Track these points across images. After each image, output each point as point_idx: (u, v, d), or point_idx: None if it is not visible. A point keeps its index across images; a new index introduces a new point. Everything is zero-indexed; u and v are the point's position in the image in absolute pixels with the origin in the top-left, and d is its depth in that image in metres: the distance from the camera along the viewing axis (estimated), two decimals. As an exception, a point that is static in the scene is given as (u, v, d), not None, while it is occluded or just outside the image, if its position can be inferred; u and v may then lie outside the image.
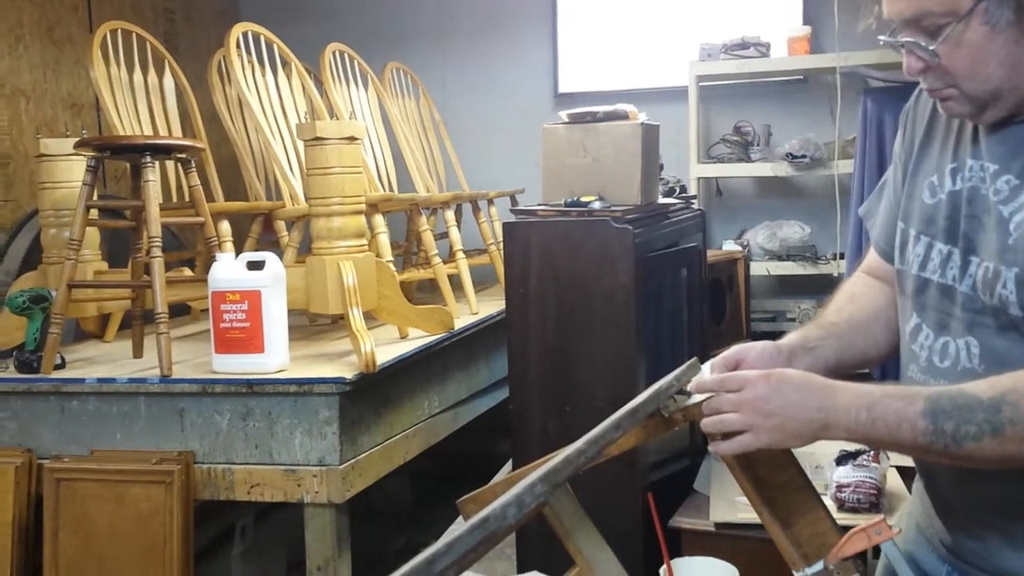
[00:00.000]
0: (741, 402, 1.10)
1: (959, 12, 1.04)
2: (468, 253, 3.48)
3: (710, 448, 1.16)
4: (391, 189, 3.58)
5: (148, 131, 3.08)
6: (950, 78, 1.09)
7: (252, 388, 2.32)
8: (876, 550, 1.19)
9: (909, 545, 1.29)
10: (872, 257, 1.38)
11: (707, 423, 1.13)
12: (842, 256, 3.83)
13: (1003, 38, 1.04)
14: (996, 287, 1.09)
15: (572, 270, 2.32)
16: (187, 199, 2.75)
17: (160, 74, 3.24)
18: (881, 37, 1.15)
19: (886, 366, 1.34)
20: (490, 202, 3.85)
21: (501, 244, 2.49)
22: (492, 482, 1.34)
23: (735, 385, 1.12)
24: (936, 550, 1.25)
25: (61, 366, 2.59)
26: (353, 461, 2.36)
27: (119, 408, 2.42)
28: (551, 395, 2.36)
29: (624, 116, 2.44)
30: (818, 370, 1.23)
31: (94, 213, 2.83)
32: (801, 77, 4.24)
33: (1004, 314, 1.09)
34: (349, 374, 2.32)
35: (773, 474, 1.20)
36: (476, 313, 3.24)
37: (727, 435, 1.13)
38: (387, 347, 2.66)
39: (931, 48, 1.07)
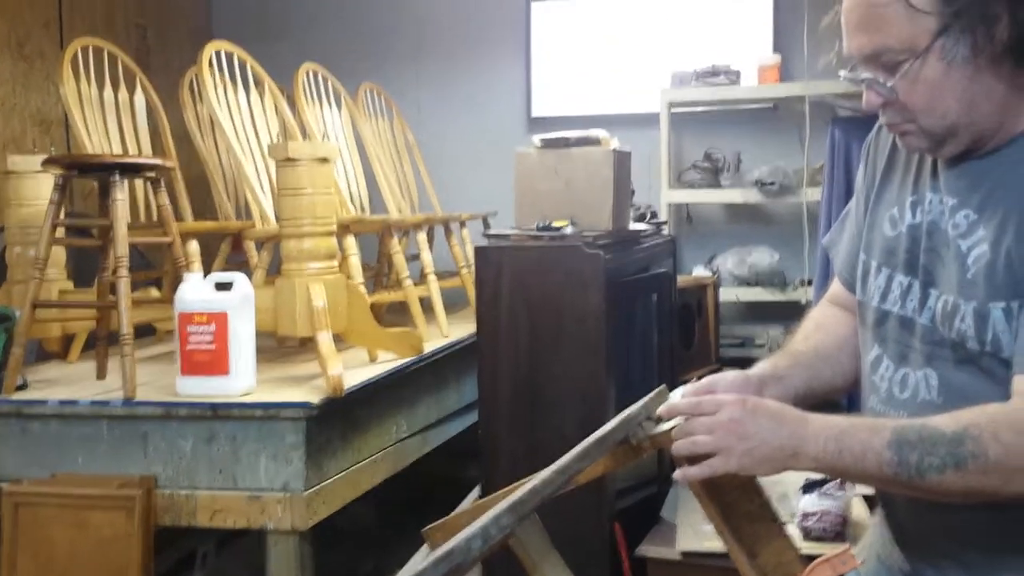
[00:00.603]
0: (715, 424, 1.10)
1: (917, 49, 1.06)
2: (440, 275, 3.47)
3: (676, 475, 1.15)
4: (363, 210, 3.57)
5: (117, 149, 3.05)
6: (908, 113, 1.11)
7: (217, 412, 2.29)
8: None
9: (870, 575, 1.29)
10: (836, 287, 1.39)
11: (679, 445, 1.13)
12: (810, 283, 3.86)
13: (959, 75, 1.06)
14: (955, 321, 1.11)
15: (543, 294, 2.32)
16: (155, 218, 2.72)
17: (131, 91, 3.21)
18: (842, 72, 1.17)
19: (854, 395, 1.35)
20: (462, 224, 3.85)
21: (473, 267, 2.49)
22: (458, 509, 1.33)
23: (710, 408, 1.12)
24: (896, 580, 1.25)
25: (23, 387, 2.54)
26: (318, 487, 2.33)
27: (81, 431, 2.37)
28: (521, 419, 2.35)
29: (596, 142, 2.45)
30: (788, 399, 1.24)
31: (61, 231, 2.79)
32: (771, 105, 4.30)
33: (962, 347, 1.11)
34: (316, 398, 2.29)
35: (740, 503, 1.20)
36: (447, 336, 3.23)
37: (695, 460, 1.13)
38: (356, 370, 2.63)
39: (889, 84, 1.09)
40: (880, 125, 1.24)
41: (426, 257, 3.35)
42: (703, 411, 1.12)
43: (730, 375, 1.25)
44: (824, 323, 1.37)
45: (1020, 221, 1.06)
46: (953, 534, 1.16)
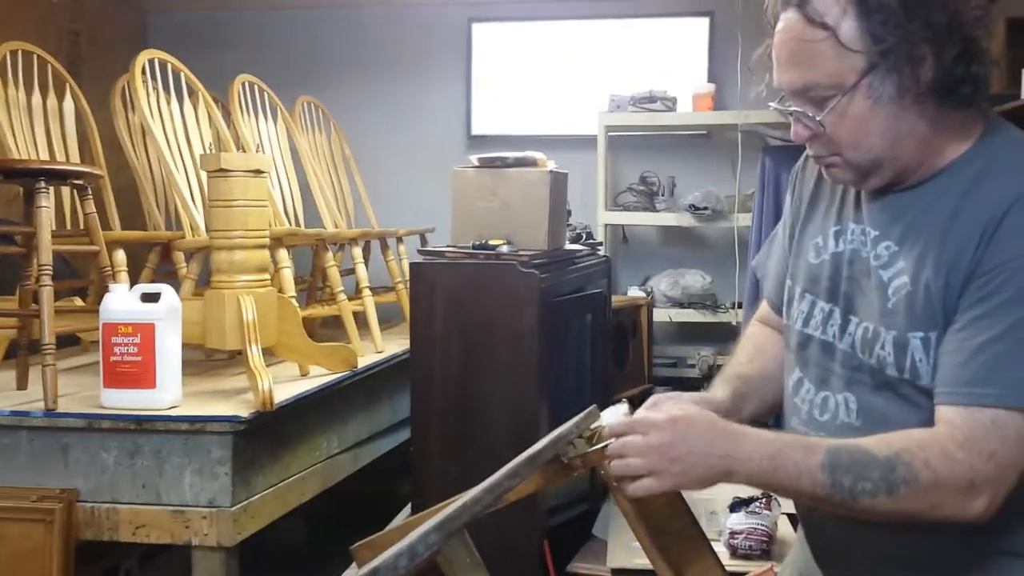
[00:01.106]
0: (647, 447, 1.11)
1: (845, 86, 1.10)
2: (375, 291, 3.45)
3: (610, 487, 1.15)
4: (298, 223, 3.54)
5: (45, 155, 2.97)
6: (835, 147, 1.15)
7: (141, 425, 2.24)
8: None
9: (790, 593, 1.32)
10: (765, 308, 1.43)
11: (614, 467, 1.13)
12: (740, 305, 3.94)
13: (885, 112, 1.10)
14: (875, 348, 1.14)
15: (478, 312, 2.32)
16: (82, 226, 2.66)
17: (60, 98, 3.14)
18: (772, 104, 1.20)
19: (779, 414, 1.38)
20: (399, 240, 3.84)
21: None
22: (389, 527, 1.32)
23: (642, 429, 1.13)
24: (817, 598, 1.28)
25: (-63, 396, 2.45)
26: (246, 503, 2.28)
27: (-1, 442, 2.30)
28: (453, 437, 2.35)
29: (533, 163, 2.47)
30: (755, 411, 1.30)
31: (-19, 237, 2.71)
32: (705, 132, 4.39)
33: (881, 373, 1.14)
34: (244, 412, 2.26)
35: (667, 522, 1.22)
36: (381, 352, 3.21)
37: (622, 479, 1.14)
38: (287, 385, 2.60)
39: (817, 118, 1.12)
40: (807, 155, 1.28)
41: (361, 272, 3.33)
42: (636, 431, 1.13)
43: (688, 396, 1.26)
44: (763, 346, 1.40)
45: (938, 254, 1.10)
46: (874, 554, 1.19)
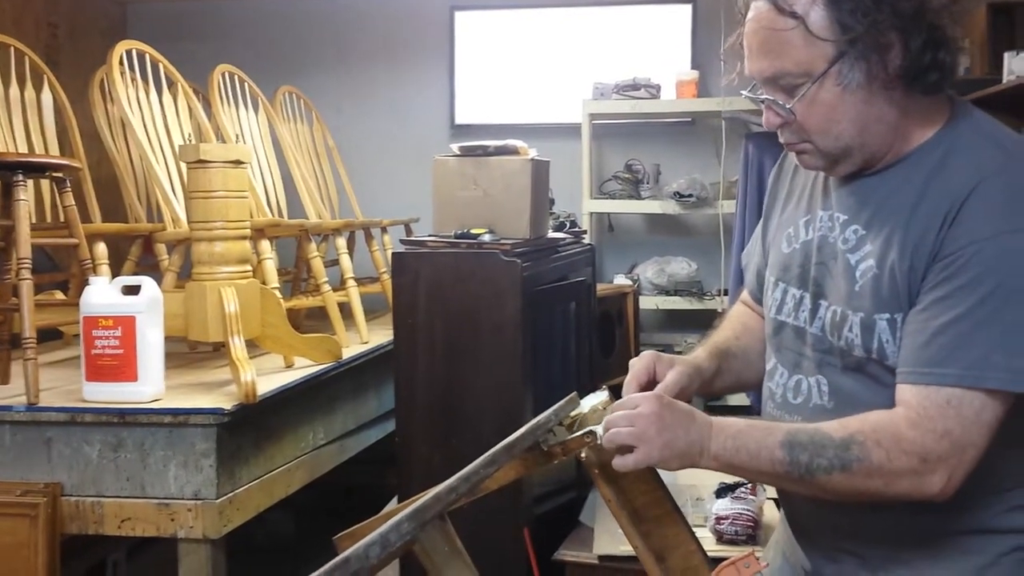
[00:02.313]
0: (636, 416, 1.14)
1: (814, 74, 1.11)
2: (360, 281, 3.44)
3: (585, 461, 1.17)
4: (280, 214, 3.52)
5: (23, 148, 2.94)
6: (805, 134, 1.17)
7: (124, 418, 2.23)
8: None
9: (776, 573, 1.34)
10: (746, 295, 1.46)
11: (604, 438, 1.16)
12: (726, 292, 3.95)
13: (854, 99, 1.12)
14: (843, 330, 1.17)
15: (461, 302, 2.32)
16: (62, 219, 2.64)
17: (38, 90, 3.11)
18: (743, 92, 1.22)
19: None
20: (383, 230, 3.83)
21: (391, 273, 2.47)
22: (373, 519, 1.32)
23: (629, 404, 1.16)
24: (799, 576, 1.30)
25: (-82, 392, 2.43)
26: (231, 495, 2.28)
27: (-20, 437, 2.28)
28: (437, 427, 2.35)
29: (515, 151, 2.47)
30: (724, 389, 1.36)
31: (-40, 232, 2.69)
32: (689, 119, 4.39)
33: (850, 355, 1.17)
34: (228, 404, 2.25)
35: (649, 508, 1.23)
36: (366, 342, 3.20)
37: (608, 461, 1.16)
38: (271, 376, 2.59)
39: (788, 106, 1.14)
40: (786, 153, 1.30)
41: (345, 262, 3.32)
42: (622, 406, 1.17)
43: (668, 357, 1.30)
44: (749, 324, 1.43)
45: (904, 237, 1.12)
46: (847, 532, 1.21)
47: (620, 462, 1.15)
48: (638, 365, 1.28)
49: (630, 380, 1.27)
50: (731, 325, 1.44)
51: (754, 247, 1.44)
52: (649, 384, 1.27)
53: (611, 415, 1.17)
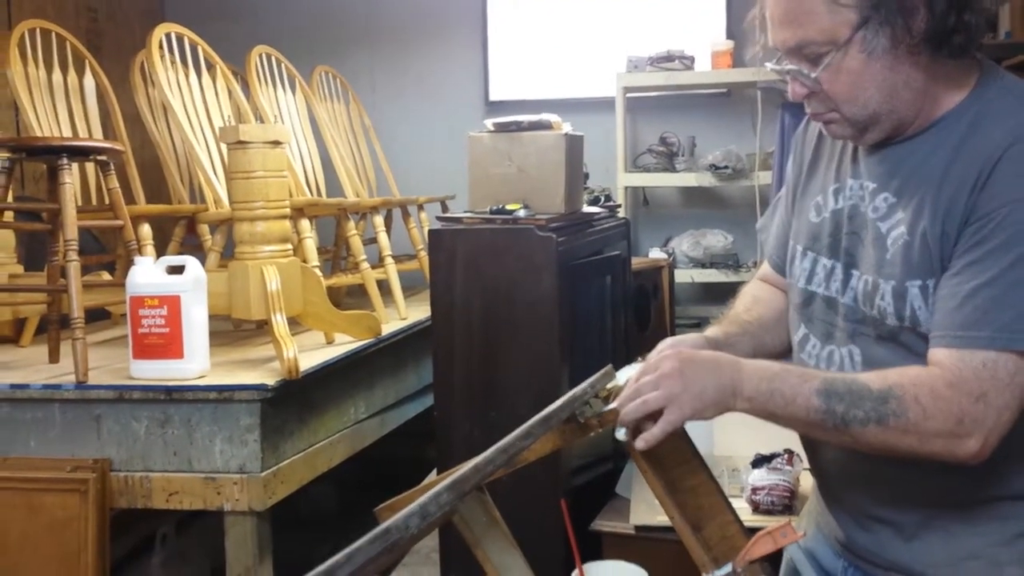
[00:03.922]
0: (660, 378, 1.14)
1: (838, 41, 1.10)
2: (397, 259, 3.48)
3: (638, 443, 1.16)
4: (319, 194, 3.56)
5: (67, 132, 3.01)
6: (832, 103, 1.15)
7: (171, 395, 2.29)
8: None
9: (809, 543, 1.35)
10: (766, 268, 1.45)
11: (629, 409, 1.15)
12: (762, 265, 3.92)
13: (879, 65, 1.11)
14: (875, 299, 1.16)
15: (497, 277, 2.33)
16: (106, 202, 2.70)
17: (80, 74, 3.17)
18: (768, 64, 1.21)
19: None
20: (420, 208, 3.85)
21: (428, 250, 2.49)
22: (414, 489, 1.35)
23: (651, 367, 1.16)
24: (832, 546, 1.31)
25: (-27, 372, 2.51)
26: (275, 468, 2.33)
27: (33, 415, 2.35)
28: (475, 401, 2.37)
29: (548, 126, 2.47)
30: (744, 356, 1.28)
31: (9, 215, 2.76)
32: (724, 90, 4.34)
33: (883, 324, 1.16)
34: (271, 380, 2.30)
35: (684, 478, 1.23)
36: (405, 319, 3.24)
37: (639, 430, 1.16)
38: (312, 353, 2.64)
39: (813, 75, 1.13)
40: (808, 118, 1.29)
41: (383, 240, 3.35)
42: (644, 372, 1.16)
43: (689, 338, 1.31)
44: (762, 297, 1.43)
45: (935, 203, 1.11)
46: (882, 500, 1.21)
47: (654, 432, 1.13)
48: (660, 345, 1.27)
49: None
50: (741, 300, 1.44)
51: (771, 217, 1.44)
52: None
53: (634, 386, 1.16)
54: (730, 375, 1.13)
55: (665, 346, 1.27)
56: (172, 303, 2.29)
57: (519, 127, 2.47)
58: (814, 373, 1.14)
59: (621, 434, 1.19)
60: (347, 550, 0.76)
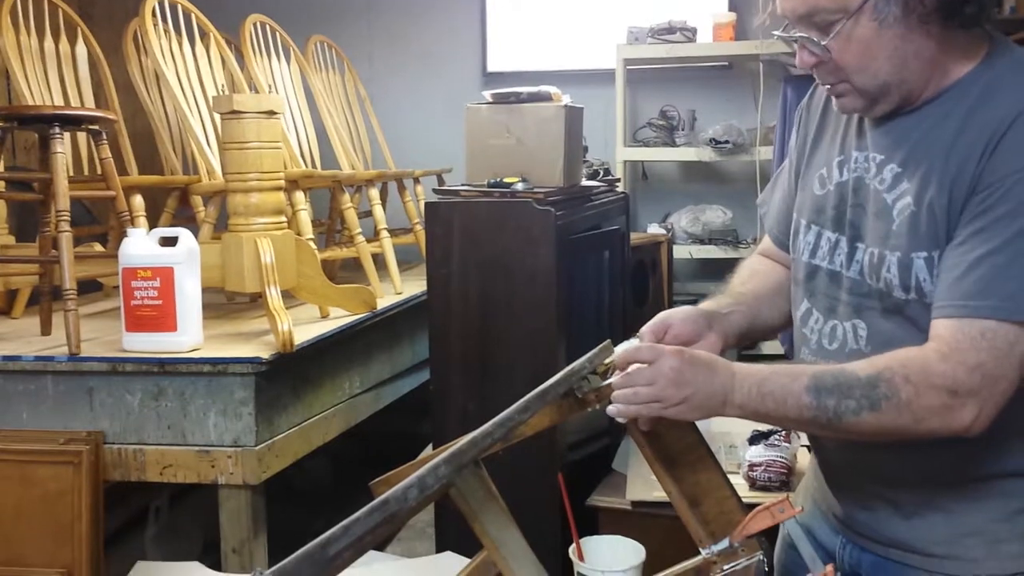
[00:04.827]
0: (655, 375, 1.13)
1: (849, 9, 1.08)
2: (393, 232, 3.45)
3: (610, 410, 1.17)
4: (314, 165, 3.53)
5: (59, 101, 2.97)
6: (842, 73, 1.13)
7: (164, 367, 2.27)
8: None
9: (806, 519, 1.34)
10: (767, 242, 1.44)
11: (620, 395, 1.15)
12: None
13: (891, 34, 1.09)
14: (881, 271, 1.15)
15: (494, 251, 2.31)
16: (99, 172, 2.67)
17: (72, 42, 3.12)
18: (776, 32, 1.19)
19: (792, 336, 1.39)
20: (416, 181, 3.82)
21: (425, 223, 2.47)
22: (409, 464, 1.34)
23: (649, 356, 1.14)
24: (830, 523, 1.31)
25: (-36, 343, 2.49)
26: (270, 442, 2.32)
27: (25, 386, 2.34)
28: (472, 376, 2.36)
29: (548, 98, 2.44)
30: (732, 335, 1.32)
31: (0, 185, 2.73)
32: (726, 63, 4.30)
33: (889, 297, 1.15)
34: (266, 354, 2.28)
35: (682, 454, 1.23)
36: (400, 293, 3.22)
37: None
38: (307, 326, 2.62)
39: (823, 43, 1.11)
40: (812, 90, 1.28)
41: (378, 213, 3.32)
42: (643, 358, 1.15)
43: (683, 310, 1.30)
44: (759, 269, 1.42)
45: (942, 173, 1.09)
46: (880, 477, 1.21)
47: (635, 412, 1.15)
48: (655, 318, 1.28)
49: (646, 331, 1.27)
50: (738, 275, 1.43)
51: (772, 191, 1.42)
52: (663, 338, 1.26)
53: (630, 373, 1.15)
54: (724, 384, 1.13)
55: (659, 319, 1.27)
56: (165, 275, 2.26)
57: (518, 98, 2.43)
58: (803, 370, 1.13)
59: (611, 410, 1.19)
60: (345, 521, 0.75)
